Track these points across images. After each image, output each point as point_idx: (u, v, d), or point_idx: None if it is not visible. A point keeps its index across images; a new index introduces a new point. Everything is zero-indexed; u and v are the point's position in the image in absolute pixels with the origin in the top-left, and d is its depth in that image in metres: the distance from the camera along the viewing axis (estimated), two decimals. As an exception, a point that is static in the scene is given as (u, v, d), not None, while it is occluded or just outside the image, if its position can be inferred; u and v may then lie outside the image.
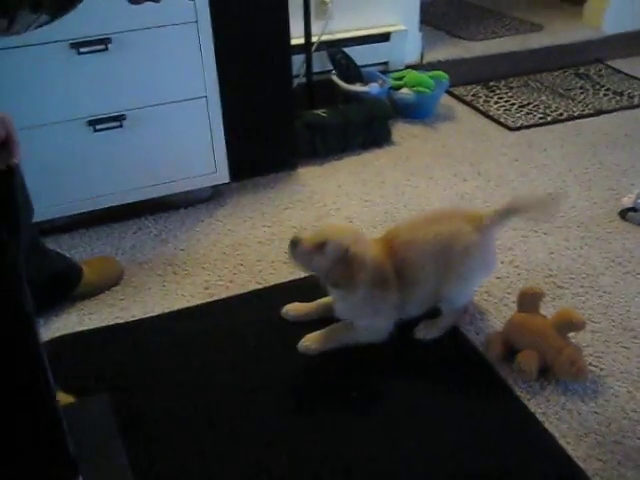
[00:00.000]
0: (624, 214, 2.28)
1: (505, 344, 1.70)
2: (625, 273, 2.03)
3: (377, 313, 1.72)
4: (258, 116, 2.47)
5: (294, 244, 1.64)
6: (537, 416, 1.56)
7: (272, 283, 2.01)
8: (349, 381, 1.67)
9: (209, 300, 1.95)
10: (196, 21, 2.09)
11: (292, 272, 2.04)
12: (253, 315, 1.88)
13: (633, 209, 2.26)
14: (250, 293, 1.97)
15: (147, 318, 1.88)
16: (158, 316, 1.89)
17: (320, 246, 1.62)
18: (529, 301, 1.75)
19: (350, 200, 2.40)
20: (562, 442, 1.50)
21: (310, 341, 1.75)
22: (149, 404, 1.61)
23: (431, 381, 1.67)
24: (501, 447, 1.49)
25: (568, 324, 1.69)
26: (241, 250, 2.16)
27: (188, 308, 1.92)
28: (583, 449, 1.49)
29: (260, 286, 2.00)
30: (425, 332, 1.78)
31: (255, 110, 2.45)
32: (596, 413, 1.58)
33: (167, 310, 1.91)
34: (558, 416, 1.57)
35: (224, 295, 1.97)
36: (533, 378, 1.64)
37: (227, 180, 2.38)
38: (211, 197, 2.41)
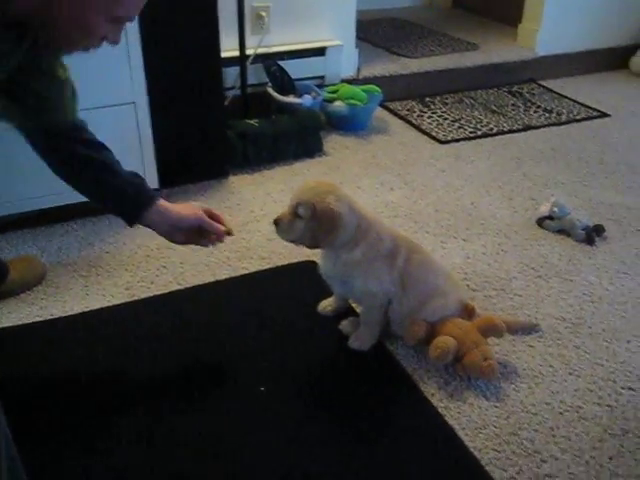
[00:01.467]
0: (541, 222, 2.37)
1: (427, 330, 1.73)
2: (537, 277, 2.11)
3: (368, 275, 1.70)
4: (189, 124, 2.50)
5: (276, 223, 1.68)
6: (439, 410, 1.61)
7: (193, 284, 2.04)
8: (257, 375, 1.70)
9: (128, 300, 1.97)
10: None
11: (214, 274, 2.08)
12: (170, 315, 1.91)
13: (549, 217, 2.35)
14: (170, 294, 2.00)
15: (64, 317, 1.89)
16: (76, 315, 1.90)
17: (294, 212, 1.65)
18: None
19: (277, 207, 2.43)
20: (460, 434, 1.55)
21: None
22: (50, 397, 1.63)
23: (336, 373, 1.71)
24: (400, 438, 1.53)
25: (490, 327, 1.74)
26: (166, 253, 2.18)
27: (107, 307, 1.93)
28: (480, 440, 1.54)
29: (181, 287, 2.03)
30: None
31: (186, 118, 2.49)
32: (496, 407, 1.63)
33: (86, 309, 1.92)
34: (459, 410, 1.62)
35: (144, 295, 1.99)
36: (448, 359, 1.67)
37: (156, 186, 2.40)
38: (140, 202, 2.43)
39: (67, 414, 1.57)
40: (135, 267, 2.11)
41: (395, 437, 1.54)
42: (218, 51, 2.47)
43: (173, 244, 2.17)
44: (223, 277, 2.07)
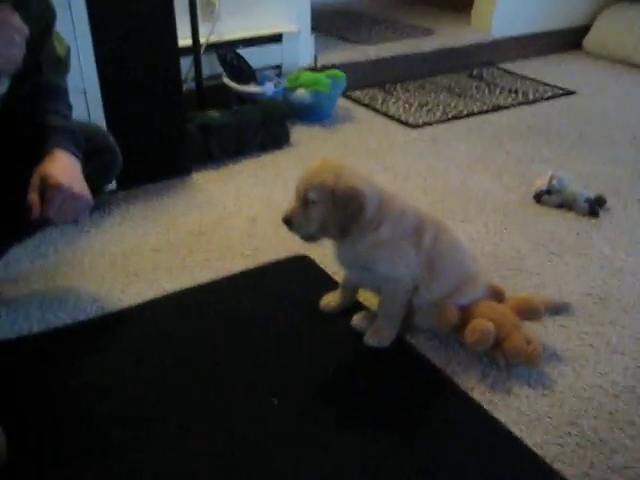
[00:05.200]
0: (539, 197, 2.20)
1: (460, 318, 1.51)
2: (550, 253, 1.93)
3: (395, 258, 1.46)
4: (146, 119, 2.23)
5: (287, 221, 1.43)
6: (484, 405, 1.39)
7: (171, 291, 1.77)
8: (270, 386, 1.44)
9: (98, 315, 1.68)
10: (69, 6, 1.86)
11: (193, 278, 1.81)
12: (150, 327, 1.63)
13: (547, 192, 2.18)
14: (147, 303, 1.71)
15: (22, 338, 1.59)
16: (35, 336, 1.60)
17: (306, 200, 1.40)
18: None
19: (252, 201, 2.20)
20: (514, 430, 1.34)
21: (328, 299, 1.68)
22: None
23: (357, 376, 1.48)
24: (448, 442, 1.31)
25: (528, 309, 1.55)
26: (133, 259, 1.90)
27: (73, 324, 1.64)
28: (538, 434, 1.33)
29: (158, 295, 1.75)
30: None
31: (142, 111, 2.21)
32: (545, 395, 1.42)
33: (47, 329, 1.62)
34: (506, 403, 1.40)
35: (116, 308, 1.70)
36: (488, 343, 1.45)
37: (114, 187, 2.13)
38: (96, 207, 2.13)
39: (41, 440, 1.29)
40: (100, 277, 1.83)
41: (442, 441, 1.31)
42: (175, 38, 2.20)
43: (141, 250, 1.94)
44: (205, 280, 1.81)
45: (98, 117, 2.02)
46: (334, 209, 1.38)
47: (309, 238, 1.47)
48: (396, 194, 1.51)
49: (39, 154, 1.46)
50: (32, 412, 1.38)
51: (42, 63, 1.54)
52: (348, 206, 1.37)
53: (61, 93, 1.61)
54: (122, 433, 1.32)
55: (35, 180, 1.41)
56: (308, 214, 1.41)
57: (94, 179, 1.80)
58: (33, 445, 1.29)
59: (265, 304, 1.71)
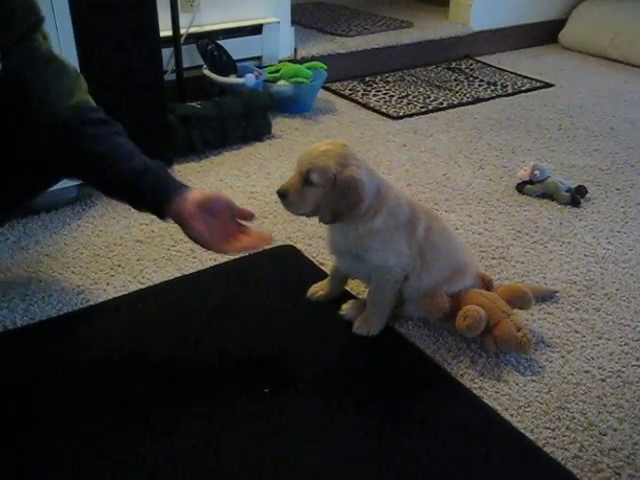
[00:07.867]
0: (521, 188, 2.22)
1: (450, 305, 1.50)
2: (533, 242, 1.95)
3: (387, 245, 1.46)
4: (126, 108, 2.19)
5: (282, 194, 1.41)
6: (474, 391, 1.40)
7: (157, 282, 1.75)
8: (256, 376, 1.44)
9: (83, 306, 1.66)
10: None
11: (179, 269, 1.80)
12: (137, 318, 1.61)
13: (530, 182, 2.20)
14: (133, 294, 1.70)
15: (6, 331, 1.56)
16: (19, 329, 1.57)
17: (306, 179, 1.39)
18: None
19: (235, 193, 2.19)
20: (505, 415, 1.35)
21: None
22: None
23: (347, 365, 1.48)
24: (439, 428, 1.31)
25: (518, 296, 1.55)
26: (117, 250, 1.88)
27: (57, 317, 1.62)
28: (528, 419, 1.34)
29: (143, 286, 1.73)
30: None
31: (122, 102, 2.18)
32: (534, 381, 1.44)
33: (31, 321, 1.60)
34: (496, 389, 1.41)
35: (101, 299, 1.68)
36: (480, 329, 1.46)
37: (94, 179, 2.10)
38: (77, 198, 2.11)
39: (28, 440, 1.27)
40: (84, 269, 1.80)
41: (432, 428, 1.31)
42: (157, 29, 2.17)
43: (125, 241, 1.91)
44: (191, 270, 1.79)
45: (79, 107, 1.99)
46: (332, 195, 1.38)
47: (300, 215, 1.48)
48: (392, 184, 1.52)
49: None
50: (15, 406, 1.36)
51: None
52: (347, 196, 1.38)
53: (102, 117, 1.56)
54: (109, 426, 1.31)
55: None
56: (305, 194, 1.40)
57: None
58: (15, 440, 1.28)
59: (252, 294, 1.70)
